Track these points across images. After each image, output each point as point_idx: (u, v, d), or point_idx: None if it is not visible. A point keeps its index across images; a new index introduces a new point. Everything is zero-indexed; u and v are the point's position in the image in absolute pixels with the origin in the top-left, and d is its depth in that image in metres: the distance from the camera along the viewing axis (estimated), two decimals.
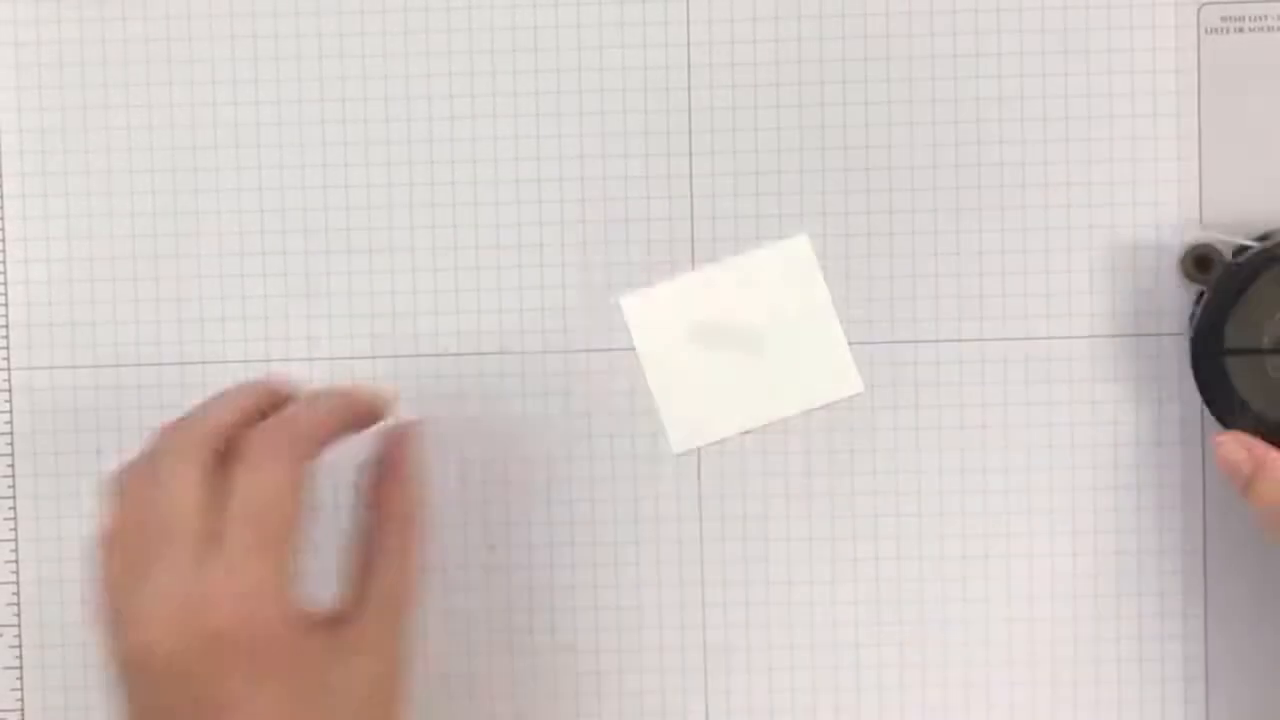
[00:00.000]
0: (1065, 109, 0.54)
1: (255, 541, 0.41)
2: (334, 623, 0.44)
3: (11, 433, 0.55)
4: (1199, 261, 0.48)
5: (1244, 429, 0.47)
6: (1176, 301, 0.54)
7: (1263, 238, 0.49)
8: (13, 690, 0.55)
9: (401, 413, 0.54)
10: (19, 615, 0.55)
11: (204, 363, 0.55)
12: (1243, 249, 0.48)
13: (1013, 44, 0.54)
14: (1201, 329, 0.47)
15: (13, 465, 0.55)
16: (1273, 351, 0.47)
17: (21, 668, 0.55)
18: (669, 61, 0.54)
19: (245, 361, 0.54)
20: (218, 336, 0.54)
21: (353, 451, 0.48)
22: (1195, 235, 0.49)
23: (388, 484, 0.47)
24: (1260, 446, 0.46)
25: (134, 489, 0.44)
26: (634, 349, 0.54)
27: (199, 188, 0.54)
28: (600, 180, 0.54)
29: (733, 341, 0.53)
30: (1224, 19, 0.54)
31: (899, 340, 0.54)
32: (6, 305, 0.55)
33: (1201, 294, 0.49)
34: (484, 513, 0.54)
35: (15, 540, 0.55)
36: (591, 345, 0.54)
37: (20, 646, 0.55)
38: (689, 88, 0.54)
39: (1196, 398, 0.53)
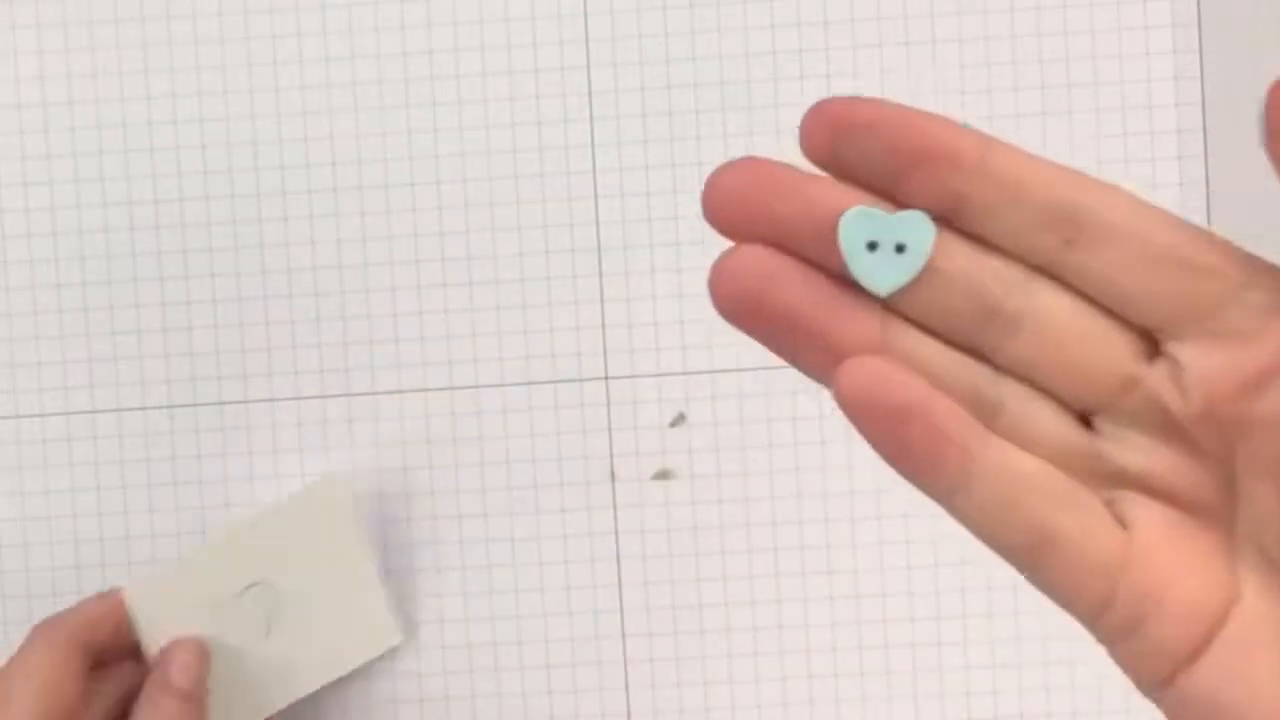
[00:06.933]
0: (1068, 102, 0.54)
1: None
2: None
3: None
4: None
5: None
6: None
7: None
8: None
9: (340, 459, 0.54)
10: None
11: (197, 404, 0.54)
12: None
13: (1005, 52, 0.54)
14: None
15: None
16: None
17: None
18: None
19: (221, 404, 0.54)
20: (213, 374, 0.54)
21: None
22: None
23: None
24: None
25: None
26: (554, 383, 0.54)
27: (185, 222, 0.54)
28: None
29: (246, 619, 0.50)
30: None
31: None
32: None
33: None
34: (436, 551, 0.54)
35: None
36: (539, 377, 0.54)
37: None
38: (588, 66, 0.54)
39: None
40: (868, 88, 0.54)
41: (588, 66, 0.54)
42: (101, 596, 0.50)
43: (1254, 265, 0.24)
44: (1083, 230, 0.24)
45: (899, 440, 0.25)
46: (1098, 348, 0.25)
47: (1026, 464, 0.25)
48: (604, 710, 0.54)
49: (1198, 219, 0.54)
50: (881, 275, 0.24)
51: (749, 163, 0.25)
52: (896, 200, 0.24)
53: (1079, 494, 0.25)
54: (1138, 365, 0.25)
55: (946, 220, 0.25)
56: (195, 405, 0.54)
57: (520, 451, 0.54)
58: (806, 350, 0.25)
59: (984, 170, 0.24)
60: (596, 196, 0.54)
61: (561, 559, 0.54)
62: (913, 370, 0.25)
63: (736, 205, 0.24)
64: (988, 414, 0.25)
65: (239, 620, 0.50)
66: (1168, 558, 0.25)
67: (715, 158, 0.50)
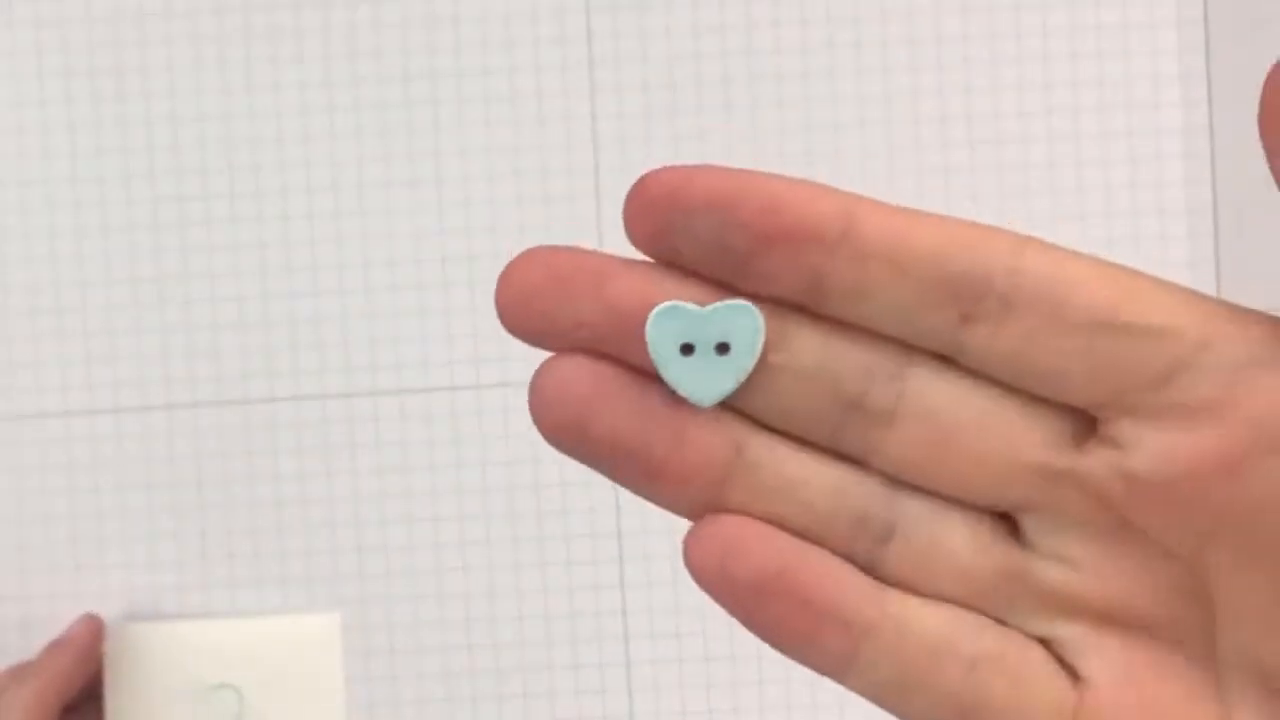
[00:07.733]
0: (1074, 98, 0.53)
1: None
2: None
3: None
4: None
5: None
6: None
7: None
8: None
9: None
10: None
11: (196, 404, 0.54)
12: None
13: (1009, 77, 0.53)
14: None
15: None
16: None
17: None
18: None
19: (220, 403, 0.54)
20: (203, 374, 0.54)
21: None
22: None
23: None
24: None
25: None
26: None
27: (185, 222, 0.54)
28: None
29: (212, 715, 0.51)
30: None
31: None
32: None
33: None
34: (438, 552, 0.54)
35: None
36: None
37: None
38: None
39: None
40: (870, 86, 0.53)
41: (589, 64, 0.54)
42: (78, 649, 0.51)
43: (1213, 315, 0.19)
44: (982, 301, 0.19)
45: (767, 620, 0.19)
46: (998, 439, 0.19)
47: (933, 622, 0.20)
48: (606, 712, 0.54)
49: (1203, 218, 0.53)
50: (701, 384, 0.19)
51: (536, 256, 0.19)
52: (742, 292, 0.19)
53: (1007, 646, 0.20)
54: (1060, 454, 0.19)
55: (802, 305, 0.19)
56: (195, 405, 0.54)
57: (522, 451, 0.54)
58: (650, 486, 0.19)
59: (848, 244, 0.19)
60: (599, 195, 0.54)
61: (564, 560, 0.54)
62: (773, 516, 0.19)
63: (531, 311, 0.19)
64: (879, 541, 0.20)
65: (204, 715, 0.51)
66: (1129, 707, 0.19)
67: (718, 157, 0.50)
